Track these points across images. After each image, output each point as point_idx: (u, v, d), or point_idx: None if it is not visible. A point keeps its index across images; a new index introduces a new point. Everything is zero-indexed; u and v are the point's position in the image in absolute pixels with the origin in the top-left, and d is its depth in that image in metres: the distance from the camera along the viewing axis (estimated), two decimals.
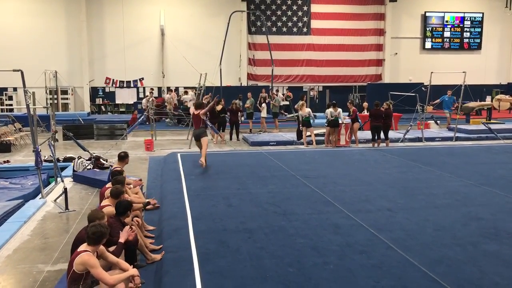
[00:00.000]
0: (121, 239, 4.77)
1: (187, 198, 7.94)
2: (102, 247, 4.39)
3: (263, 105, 18.30)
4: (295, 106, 16.64)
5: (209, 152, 13.51)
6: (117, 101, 24.41)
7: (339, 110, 14.12)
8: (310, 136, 14.53)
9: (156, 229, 6.77)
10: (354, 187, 8.84)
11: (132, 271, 4.41)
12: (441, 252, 5.53)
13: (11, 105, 22.49)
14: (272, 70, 22.63)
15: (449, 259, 5.30)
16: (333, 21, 24.83)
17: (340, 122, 14.09)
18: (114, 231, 4.85)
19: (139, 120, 15.55)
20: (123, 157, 7.48)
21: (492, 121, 19.09)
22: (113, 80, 24.16)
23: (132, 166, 10.89)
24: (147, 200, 6.59)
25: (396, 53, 25.34)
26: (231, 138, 16.06)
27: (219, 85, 20.51)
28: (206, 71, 15.44)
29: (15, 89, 22.83)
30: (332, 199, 7.84)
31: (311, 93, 25.05)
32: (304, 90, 24.73)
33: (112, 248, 4.65)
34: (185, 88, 22.28)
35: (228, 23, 21.25)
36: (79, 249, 4.28)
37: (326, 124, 14.32)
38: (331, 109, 14.15)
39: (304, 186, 8.88)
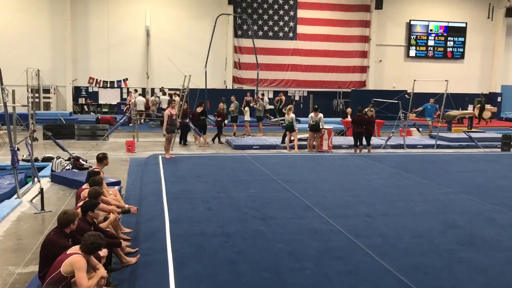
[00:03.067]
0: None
1: (166, 201, 7.86)
2: None
3: (246, 108, 18.28)
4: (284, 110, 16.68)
5: (191, 155, 13.47)
6: (100, 101, 24.15)
7: (320, 115, 14.15)
8: (293, 141, 14.54)
9: (132, 231, 6.68)
10: (334, 192, 8.85)
11: (101, 272, 4.32)
12: (417, 259, 5.55)
13: None
14: (258, 74, 22.64)
15: (425, 266, 5.32)
16: (319, 27, 24.96)
17: (320, 127, 14.11)
18: (82, 232, 4.71)
19: (120, 121, 15.39)
20: (101, 159, 7.38)
21: (473, 129, 19.36)
22: (96, 80, 23.90)
23: (112, 168, 10.76)
24: (127, 206, 6.48)
25: (381, 60, 25.57)
26: (213, 141, 16.00)
27: (204, 87, 20.44)
28: (192, 73, 15.37)
29: None
30: (312, 204, 7.83)
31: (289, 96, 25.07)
32: (289, 94, 24.78)
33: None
34: (169, 89, 22.16)
35: (214, 26, 21.23)
36: (69, 251, 4.24)
37: (308, 129, 14.36)
38: (312, 114, 14.20)
39: (285, 190, 8.87)
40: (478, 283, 4.93)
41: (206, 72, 20.85)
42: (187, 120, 15.15)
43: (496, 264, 5.45)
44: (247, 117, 18.05)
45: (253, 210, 7.44)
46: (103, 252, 4.57)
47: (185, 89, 15.09)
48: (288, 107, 15.27)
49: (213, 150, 14.58)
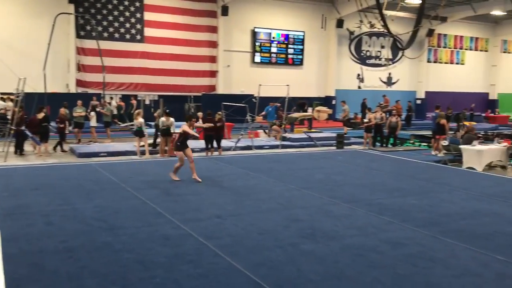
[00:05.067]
0: None
1: None
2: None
3: (92, 113, 17.31)
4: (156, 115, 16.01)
5: (29, 165, 12.28)
6: None
7: (172, 119, 14.05)
8: (143, 146, 14.18)
9: None
10: (186, 196, 8.84)
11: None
12: (263, 255, 5.80)
13: None
14: (104, 77, 21.59)
15: (271, 261, 5.59)
16: (167, 31, 24.72)
17: (172, 131, 14.01)
18: None
19: None
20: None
21: (312, 130, 21.00)
22: None
23: None
24: None
25: (229, 65, 26.30)
26: (55, 150, 14.80)
27: (43, 91, 18.80)
28: (28, 76, 14.01)
29: None
30: (163, 210, 7.71)
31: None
32: (138, 98, 24.09)
33: None
34: (1, 94, 19.90)
35: (53, 25, 19.67)
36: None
37: (158, 134, 14.14)
38: (163, 118, 14.03)
39: (135, 198, 8.59)
40: (318, 272, 5.33)
41: (45, 74, 19.20)
42: (23, 128, 13.77)
43: (333, 253, 5.96)
44: (93, 123, 17.09)
45: (99, 221, 7.06)
46: None
47: (19, 93, 13.71)
48: (136, 111, 14.84)
49: (55, 159, 13.48)
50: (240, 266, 5.39)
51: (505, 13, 30.31)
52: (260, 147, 16.62)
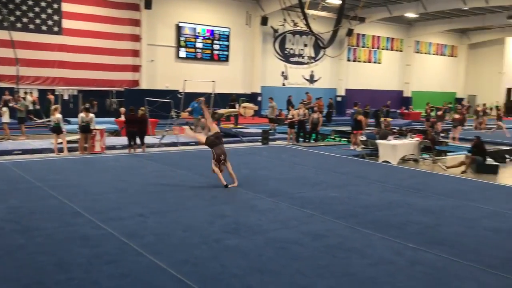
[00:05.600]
0: None
1: None
2: None
3: (4, 109, 16.23)
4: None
5: None
6: None
7: (91, 115, 13.54)
8: (61, 143, 13.53)
9: None
10: (107, 195, 8.56)
11: None
12: (188, 252, 5.77)
13: None
14: (18, 70, 20.32)
15: (195, 258, 5.57)
16: (87, 23, 23.70)
17: (92, 128, 13.50)
18: None
19: None
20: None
21: (238, 126, 21.16)
22: None
23: None
24: None
25: (153, 60, 25.75)
26: None
27: None
28: None
29: None
30: (82, 210, 7.41)
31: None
32: (56, 93, 22.92)
33: None
34: None
35: None
36: None
37: (78, 130, 13.56)
38: (82, 114, 13.47)
39: (52, 198, 8.18)
40: (242, 267, 5.39)
41: None
42: None
43: (257, 247, 6.05)
44: (5, 119, 16.04)
45: (12, 223, 6.65)
46: None
47: None
48: (53, 107, 14.13)
49: None
50: (163, 264, 5.32)
51: (418, 16, 32.31)
52: (186, 144, 16.46)
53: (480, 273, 5.44)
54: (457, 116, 21.42)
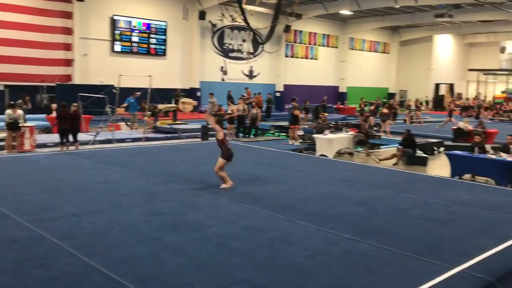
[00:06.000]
0: None
1: None
2: None
3: None
4: None
5: None
6: None
7: (20, 112, 12.86)
8: None
9: None
10: (37, 195, 8.16)
11: None
12: (125, 251, 5.62)
13: None
14: None
15: (132, 257, 5.44)
16: (14, 14, 22.40)
17: (20, 125, 12.82)
18: None
19: None
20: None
21: (177, 121, 20.87)
22: None
23: None
24: None
25: (86, 54, 24.78)
26: None
27: None
28: None
29: None
30: (10, 211, 7.03)
31: None
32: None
33: None
34: None
35: None
36: None
37: (5, 128, 12.83)
38: (9, 111, 12.75)
39: None
40: (180, 264, 5.32)
41: None
42: None
43: (195, 243, 6.00)
44: None
45: None
46: None
47: None
48: None
49: None
50: (98, 265, 5.15)
51: (352, 13, 33.31)
52: (122, 140, 16.04)
53: (409, 259, 5.71)
54: (385, 110, 22.31)
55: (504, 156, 10.97)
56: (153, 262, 5.35)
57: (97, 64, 25.10)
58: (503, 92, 43.38)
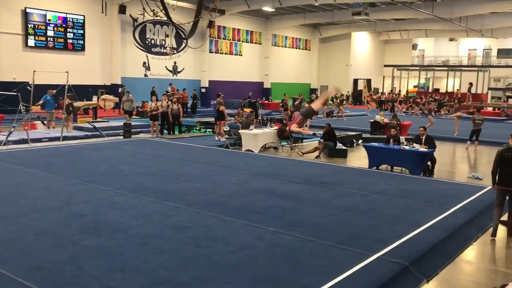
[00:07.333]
0: None
1: None
2: None
3: None
4: None
5: None
6: None
7: None
8: None
9: None
10: None
11: None
12: (41, 257, 5.33)
13: None
14: None
15: (49, 263, 5.17)
16: None
17: None
18: None
19: None
20: None
21: (98, 119, 20.10)
22: None
23: None
24: None
25: None
26: None
27: None
28: None
29: None
30: None
31: None
32: None
33: None
34: None
35: None
36: None
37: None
38: None
39: None
40: (102, 267, 5.14)
41: None
42: None
43: (117, 245, 5.82)
44: None
45: None
46: None
47: None
48: None
49: None
50: (11, 273, 4.84)
51: (274, 10, 33.81)
52: (38, 140, 15.16)
53: (331, 249, 5.93)
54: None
55: (417, 146, 11.67)
56: (72, 266, 5.11)
57: (9, 60, 23.52)
58: (415, 86, 46.16)
